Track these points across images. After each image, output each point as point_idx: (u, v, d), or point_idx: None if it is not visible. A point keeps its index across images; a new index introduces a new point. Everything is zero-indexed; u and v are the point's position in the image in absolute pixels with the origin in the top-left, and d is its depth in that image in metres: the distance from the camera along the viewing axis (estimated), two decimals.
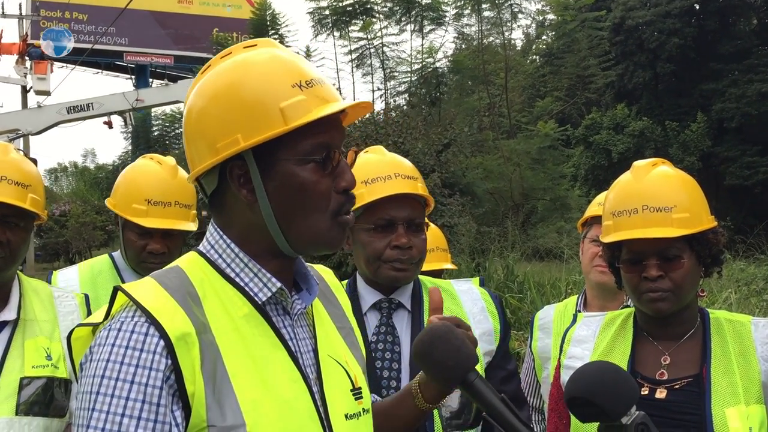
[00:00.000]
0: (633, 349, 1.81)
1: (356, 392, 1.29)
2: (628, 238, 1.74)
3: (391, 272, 1.92)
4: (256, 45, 1.24)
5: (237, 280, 1.20)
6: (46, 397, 1.93)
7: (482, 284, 2.14)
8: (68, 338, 1.18)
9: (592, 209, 2.71)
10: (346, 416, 1.24)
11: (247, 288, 1.20)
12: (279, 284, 1.21)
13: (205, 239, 1.26)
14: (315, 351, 1.25)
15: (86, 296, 2.19)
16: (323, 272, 1.45)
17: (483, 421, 1.87)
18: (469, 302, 2.03)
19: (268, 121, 1.14)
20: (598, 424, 1.36)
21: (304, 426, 1.16)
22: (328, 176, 1.18)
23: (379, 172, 1.95)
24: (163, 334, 1.07)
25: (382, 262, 1.91)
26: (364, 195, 1.92)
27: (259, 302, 1.20)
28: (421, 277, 2.06)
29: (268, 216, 1.18)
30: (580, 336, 1.91)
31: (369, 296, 2.00)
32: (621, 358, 1.79)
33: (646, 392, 1.73)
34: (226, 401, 1.09)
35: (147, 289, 1.13)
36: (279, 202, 1.17)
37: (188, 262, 1.22)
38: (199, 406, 1.08)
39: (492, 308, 2.04)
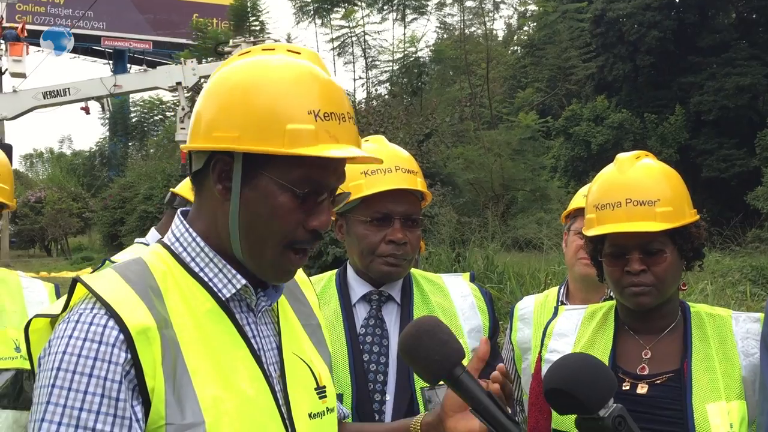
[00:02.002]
0: (614, 343, 1.81)
1: (320, 391, 1.27)
2: (610, 231, 1.73)
3: (383, 267, 1.89)
4: (300, 53, 1.20)
5: (201, 274, 1.17)
6: (16, 390, 1.90)
7: (473, 279, 2.11)
8: (26, 330, 1.13)
9: (577, 201, 2.69)
10: (309, 415, 1.22)
11: (211, 283, 1.17)
12: (244, 281, 1.18)
13: (170, 231, 1.23)
14: (279, 348, 1.24)
15: (56, 286, 2.15)
16: None
17: None
18: (458, 297, 2.01)
19: (270, 136, 1.10)
20: (576, 416, 1.35)
21: (265, 424, 1.14)
22: (303, 210, 1.15)
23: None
24: (123, 328, 1.04)
25: (375, 256, 1.88)
26: (362, 186, 1.88)
27: (223, 298, 1.17)
28: (412, 270, 2.03)
29: (233, 219, 1.15)
30: (561, 329, 1.90)
31: (359, 288, 1.97)
32: (602, 352, 1.78)
33: (628, 387, 1.73)
34: (186, 399, 1.06)
35: (107, 281, 1.10)
36: (248, 210, 1.14)
37: (151, 255, 1.19)
38: (159, 403, 1.05)
39: (482, 304, 2.01)
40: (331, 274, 2.05)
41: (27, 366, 1.93)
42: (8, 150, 15.64)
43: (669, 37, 29.00)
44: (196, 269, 1.18)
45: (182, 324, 1.11)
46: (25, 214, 26.97)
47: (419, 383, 1.85)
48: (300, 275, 1.43)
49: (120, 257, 2.66)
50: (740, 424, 1.64)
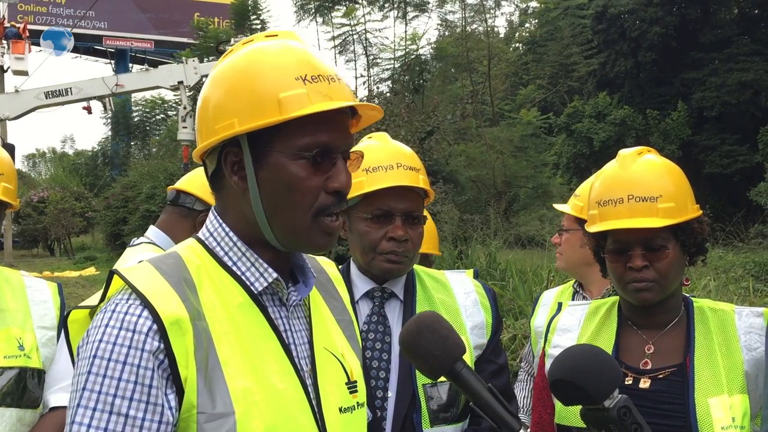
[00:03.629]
0: (617, 338, 1.81)
1: (351, 386, 1.29)
2: (613, 228, 1.73)
3: (385, 264, 1.90)
4: (276, 35, 1.24)
5: (234, 268, 1.20)
6: (19, 388, 1.89)
7: (476, 276, 2.12)
8: (65, 321, 1.18)
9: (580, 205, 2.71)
10: (340, 409, 1.24)
11: (243, 277, 1.20)
12: (275, 275, 1.21)
13: (204, 226, 1.26)
14: (310, 343, 1.25)
15: (59, 285, 2.14)
16: (325, 264, 1.45)
17: (471, 413, 1.87)
18: (461, 294, 2.02)
19: (263, 110, 1.14)
20: (580, 408, 1.35)
21: (295, 417, 1.15)
22: (319, 174, 1.17)
23: (381, 160, 1.91)
24: (156, 318, 1.07)
25: (377, 253, 1.89)
26: (363, 183, 1.88)
27: (255, 292, 1.19)
28: (415, 267, 2.04)
29: (256, 205, 1.18)
30: (565, 325, 1.91)
31: (362, 284, 1.98)
32: (605, 347, 1.78)
33: (630, 382, 1.73)
34: (217, 389, 1.09)
35: (143, 274, 1.13)
36: (268, 192, 1.17)
37: (186, 249, 1.22)
38: (191, 392, 1.07)
39: (485, 301, 2.02)
40: None
41: (30, 364, 1.93)
42: (11, 150, 15.65)
43: (671, 33, 28.96)
44: (229, 263, 1.20)
45: (215, 316, 1.13)
46: (28, 214, 27.00)
47: (421, 380, 1.86)
48: (333, 271, 1.45)
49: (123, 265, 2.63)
50: (743, 418, 1.64)
